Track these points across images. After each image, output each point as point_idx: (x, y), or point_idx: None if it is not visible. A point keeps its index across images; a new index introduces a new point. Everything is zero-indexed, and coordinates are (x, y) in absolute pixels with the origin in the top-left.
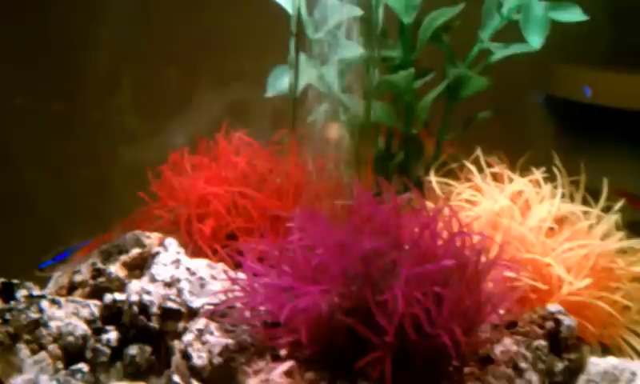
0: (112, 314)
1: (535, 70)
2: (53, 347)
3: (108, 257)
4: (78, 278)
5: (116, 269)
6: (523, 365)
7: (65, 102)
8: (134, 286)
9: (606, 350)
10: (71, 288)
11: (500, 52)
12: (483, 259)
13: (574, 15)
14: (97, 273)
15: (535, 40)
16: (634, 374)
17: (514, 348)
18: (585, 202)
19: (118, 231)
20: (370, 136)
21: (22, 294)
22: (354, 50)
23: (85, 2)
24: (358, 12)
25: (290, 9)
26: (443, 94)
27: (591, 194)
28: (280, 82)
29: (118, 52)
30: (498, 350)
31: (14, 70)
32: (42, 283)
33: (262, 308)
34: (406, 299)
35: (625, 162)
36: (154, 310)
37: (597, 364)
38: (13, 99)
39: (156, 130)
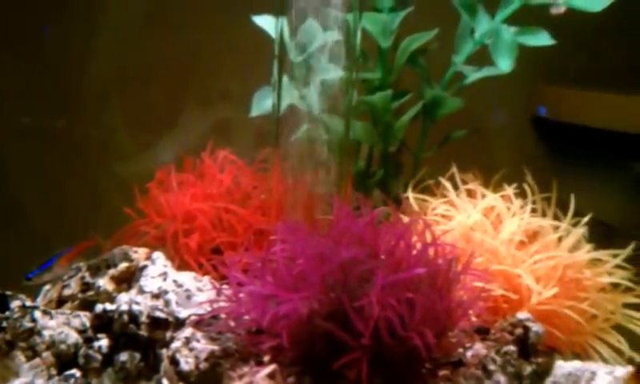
0: (103, 323)
1: (517, 89)
2: (47, 354)
3: (97, 271)
4: (67, 291)
5: (104, 282)
6: (492, 367)
7: (56, 119)
8: (124, 297)
9: (576, 357)
10: (60, 301)
11: (473, 75)
12: (454, 268)
13: (542, 40)
14: (85, 287)
15: (504, 63)
16: (593, 373)
17: (484, 352)
18: (557, 218)
19: (99, 239)
20: (350, 154)
21: (15, 304)
22: (334, 72)
23: (79, 24)
24: (338, 36)
25: (272, 33)
26: (421, 113)
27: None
28: (264, 103)
29: (110, 72)
30: (469, 354)
31: (9, 88)
32: (31, 297)
33: (246, 317)
34: (380, 305)
35: (600, 180)
36: (143, 319)
37: (562, 367)
38: (7, 115)
39: (144, 147)
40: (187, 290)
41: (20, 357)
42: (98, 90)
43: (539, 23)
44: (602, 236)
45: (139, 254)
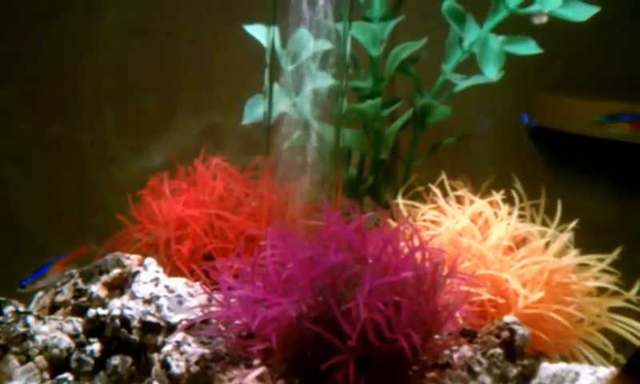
0: (95, 328)
1: (507, 96)
2: (39, 359)
3: (89, 277)
4: (59, 298)
5: (97, 289)
6: (477, 368)
7: (50, 126)
8: (116, 302)
9: (563, 360)
10: (53, 308)
11: (462, 83)
12: (440, 272)
13: (529, 48)
14: (78, 293)
15: (491, 72)
16: (577, 373)
17: (470, 354)
18: (545, 225)
19: (91, 245)
20: (340, 161)
21: (9, 309)
22: (324, 80)
23: (73, 32)
24: (328, 45)
25: (264, 42)
26: (412, 121)
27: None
28: (255, 111)
29: (103, 80)
30: (455, 356)
31: (6, 94)
32: (24, 303)
33: (236, 321)
34: (368, 308)
35: (590, 187)
36: (135, 323)
37: (547, 368)
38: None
39: (137, 154)
40: (179, 296)
41: (13, 361)
42: (92, 97)
43: (533, 30)
44: (589, 241)
45: (132, 260)
